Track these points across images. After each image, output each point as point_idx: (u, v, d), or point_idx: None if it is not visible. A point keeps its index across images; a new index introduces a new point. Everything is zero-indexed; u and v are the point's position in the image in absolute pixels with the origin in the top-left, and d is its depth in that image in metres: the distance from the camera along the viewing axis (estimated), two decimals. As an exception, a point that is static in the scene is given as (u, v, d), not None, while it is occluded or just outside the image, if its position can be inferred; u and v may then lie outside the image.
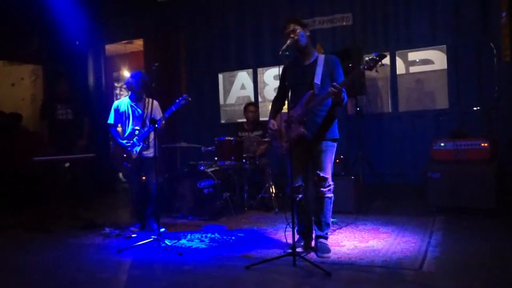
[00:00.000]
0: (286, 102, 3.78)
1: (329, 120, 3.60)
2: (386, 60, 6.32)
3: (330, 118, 3.60)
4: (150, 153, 4.61)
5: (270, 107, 3.99)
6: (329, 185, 3.58)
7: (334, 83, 3.35)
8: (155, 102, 4.74)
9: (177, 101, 4.52)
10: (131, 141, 4.66)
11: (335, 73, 3.55)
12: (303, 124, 3.51)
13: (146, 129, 4.51)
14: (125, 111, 4.76)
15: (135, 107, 4.74)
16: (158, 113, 4.76)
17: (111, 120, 4.81)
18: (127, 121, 4.76)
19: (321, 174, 3.55)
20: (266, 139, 5.80)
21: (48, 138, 5.90)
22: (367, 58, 3.29)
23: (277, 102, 3.87)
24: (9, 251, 4.28)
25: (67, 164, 5.26)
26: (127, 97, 4.82)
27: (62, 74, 6.53)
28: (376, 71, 3.33)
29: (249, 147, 5.84)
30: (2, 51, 7.32)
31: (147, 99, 4.63)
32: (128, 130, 4.74)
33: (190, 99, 4.54)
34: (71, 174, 5.76)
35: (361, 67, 3.30)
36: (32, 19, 7.28)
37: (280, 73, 3.80)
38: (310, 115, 3.53)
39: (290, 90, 3.68)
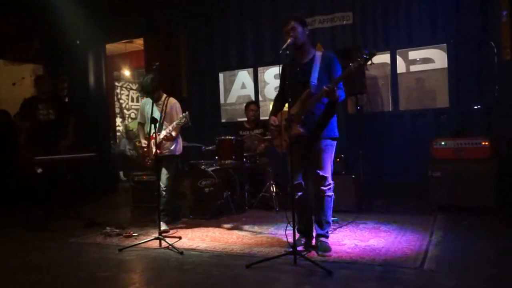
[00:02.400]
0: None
1: (328, 118, 3.60)
2: (386, 59, 6.33)
3: (328, 116, 3.60)
4: (165, 152, 4.70)
5: (270, 106, 3.99)
6: (329, 184, 3.59)
7: (326, 85, 3.35)
8: (173, 101, 4.78)
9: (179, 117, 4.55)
10: (147, 143, 4.70)
11: (332, 69, 3.55)
12: (302, 123, 3.51)
13: (161, 132, 4.51)
14: (147, 111, 4.78)
15: (155, 107, 4.74)
16: (174, 113, 4.76)
17: (139, 118, 5.02)
18: (149, 120, 4.79)
19: (321, 173, 3.55)
20: (266, 137, 5.80)
21: (27, 138, 5.80)
22: (359, 58, 3.29)
23: (278, 101, 3.88)
24: (9, 251, 4.29)
25: (39, 170, 5.21)
26: None
27: (45, 73, 6.43)
28: (367, 69, 3.37)
29: (250, 145, 5.85)
30: (3, 50, 7.33)
31: (165, 98, 4.59)
32: (150, 130, 4.76)
33: (187, 116, 4.54)
34: (71, 173, 5.76)
35: (352, 65, 3.30)
36: (33, 19, 7.29)
37: (280, 72, 3.80)
38: (308, 114, 3.52)
39: (289, 90, 3.68)
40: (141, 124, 4.96)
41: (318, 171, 3.56)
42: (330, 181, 3.59)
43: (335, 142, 3.65)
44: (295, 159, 3.53)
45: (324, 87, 3.33)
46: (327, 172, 3.57)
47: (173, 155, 4.81)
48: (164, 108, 4.24)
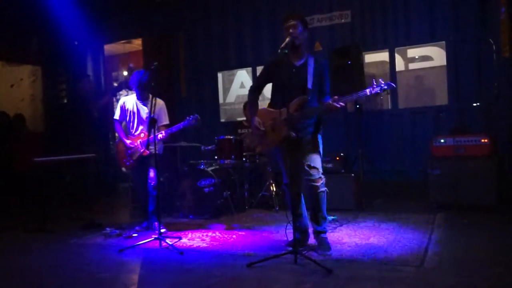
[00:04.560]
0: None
1: (318, 122, 3.62)
2: (385, 57, 6.34)
3: (318, 120, 3.62)
4: (152, 151, 4.61)
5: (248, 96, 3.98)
6: (321, 177, 3.55)
7: (332, 103, 3.33)
8: (160, 102, 4.73)
9: (187, 119, 4.53)
10: (136, 144, 4.67)
11: (323, 78, 3.55)
12: (293, 127, 3.48)
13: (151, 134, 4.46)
14: (130, 108, 4.76)
15: (141, 105, 4.74)
16: (162, 114, 4.74)
17: (116, 116, 4.85)
18: (132, 119, 4.77)
19: (312, 164, 3.52)
20: None
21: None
22: (376, 86, 3.28)
23: (255, 95, 3.86)
24: (10, 252, 4.29)
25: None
26: (135, 94, 4.81)
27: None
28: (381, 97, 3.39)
29: (249, 144, 5.84)
30: (1, 51, 7.32)
31: (153, 99, 4.58)
32: (136, 130, 4.75)
33: (200, 119, 4.55)
34: (71, 174, 5.76)
35: (368, 91, 3.29)
36: (31, 20, 7.28)
37: (266, 67, 3.77)
38: (302, 120, 3.53)
39: (276, 89, 3.65)
40: (119, 122, 4.84)
41: (309, 163, 3.52)
42: (321, 174, 3.57)
43: (321, 138, 3.65)
44: (286, 158, 3.54)
45: (335, 104, 3.31)
46: (317, 164, 3.55)
47: (160, 155, 4.77)
48: (153, 108, 4.21)
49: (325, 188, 3.60)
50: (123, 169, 7.71)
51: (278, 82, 3.56)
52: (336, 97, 3.36)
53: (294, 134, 3.47)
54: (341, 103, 3.33)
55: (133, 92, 4.83)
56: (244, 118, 6.36)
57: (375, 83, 3.29)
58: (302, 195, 3.73)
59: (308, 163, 3.53)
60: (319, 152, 3.60)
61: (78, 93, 6.08)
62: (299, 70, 3.56)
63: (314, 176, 3.52)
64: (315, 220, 3.65)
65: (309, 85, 3.48)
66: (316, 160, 3.55)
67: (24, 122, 7.32)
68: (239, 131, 6.19)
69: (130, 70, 4.87)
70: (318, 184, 3.54)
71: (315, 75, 3.52)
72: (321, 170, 3.57)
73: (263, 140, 3.69)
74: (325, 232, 3.67)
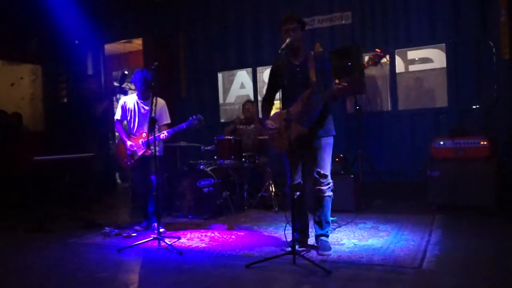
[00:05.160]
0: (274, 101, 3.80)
1: (325, 117, 3.61)
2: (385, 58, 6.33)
3: (326, 114, 3.61)
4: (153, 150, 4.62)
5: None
6: (329, 183, 3.59)
7: (338, 82, 3.32)
8: (161, 102, 4.74)
9: (190, 119, 4.55)
10: (137, 143, 4.67)
11: (325, 71, 3.56)
12: (301, 123, 3.51)
13: (152, 134, 4.45)
14: (131, 108, 4.76)
15: (142, 105, 4.74)
16: (164, 113, 4.74)
17: (117, 115, 4.83)
18: (133, 119, 4.76)
19: (322, 172, 3.56)
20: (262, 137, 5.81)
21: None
22: (371, 55, 3.28)
23: (268, 103, 3.83)
24: (9, 252, 4.29)
25: None
26: (135, 94, 4.81)
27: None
28: (381, 65, 3.38)
29: (246, 141, 5.85)
30: (1, 50, 7.32)
31: (154, 98, 4.59)
32: (137, 130, 4.75)
33: (203, 120, 4.56)
34: (71, 173, 5.75)
35: (366, 64, 3.31)
36: (31, 19, 7.28)
37: (271, 72, 3.77)
38: (310, 114, 3.52)
39: (283, 90, 3.65)
40: (120, 122, 4.82)
41: (319, 170, 3.56)
42: (329, 180, 3.60)
43: (332, 140, 3.65)
44: (295, 159, 3.52)
45: (337, 85, 3.30)
46: (327, 170, 3.58)
47: (161, 156, 4.78)
48: (154, 108, 4.22)
49: (331, 193, 3.63)
50: (117, 175, 7.71)
51: (283, 82, 3.56)
52: (337, 80, 3.34)
53: (305, 129, 3.48)
54: (343, 84, 3.29)
55: (133, 92, 4.83)
56: (243, 117, 6.36)
57: (371, 55, 3.28)
58: (304, 196, 3.73)
59: (318, 169, 3.56)
60: (329, 156, 3.60)
61: (84, 92, 6.08)
62: (301, 68, 3.59)
63: (323, 184, 3.57)
64: (318, 224, 3.67)
65: (313, 78, 3.50)
66: (326, 167, 3.57)
67: (21, 121, 7.31)
68: (238, 126, 6.20)
69: (123, 76, 4.83)
70: (325, 188, 3.58)
71: (316, 69, 3.53)
72: (329, 177, 3.60)
73: (278, 141, 3.66)
74: (327, 236, 3.68)
